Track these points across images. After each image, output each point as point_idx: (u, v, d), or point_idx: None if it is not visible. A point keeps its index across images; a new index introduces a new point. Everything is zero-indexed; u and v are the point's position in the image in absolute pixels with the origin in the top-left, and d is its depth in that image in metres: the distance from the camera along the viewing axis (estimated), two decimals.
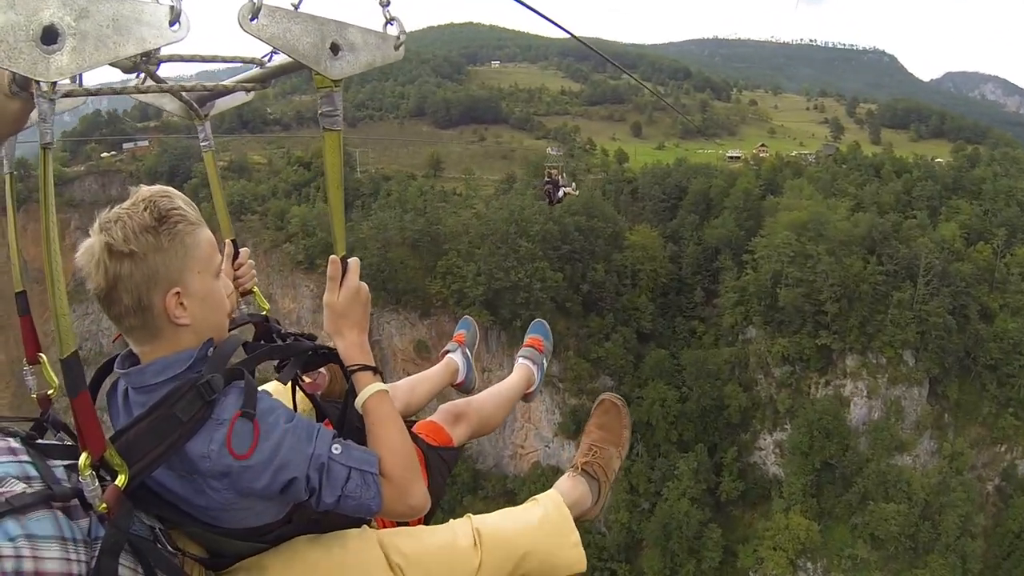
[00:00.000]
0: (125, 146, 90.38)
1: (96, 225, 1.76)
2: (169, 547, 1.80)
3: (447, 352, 3.64)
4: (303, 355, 2.19)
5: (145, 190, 1.84)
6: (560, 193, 32.39)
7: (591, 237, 69.55)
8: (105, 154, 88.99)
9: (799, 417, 60.53)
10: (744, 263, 67.84)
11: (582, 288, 67.39)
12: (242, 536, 1.92)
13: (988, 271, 66.61)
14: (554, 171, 33.60)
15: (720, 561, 58.23)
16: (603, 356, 65.82)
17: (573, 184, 42.51)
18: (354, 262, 2.03)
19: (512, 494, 62.16)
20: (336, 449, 1.85)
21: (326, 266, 2.02)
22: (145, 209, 1.75)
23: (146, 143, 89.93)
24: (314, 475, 1.81)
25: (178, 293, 1.78)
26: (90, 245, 1.74)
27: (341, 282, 2.01)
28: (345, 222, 2.03)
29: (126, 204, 1.78)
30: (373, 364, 2.02)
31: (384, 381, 2.04)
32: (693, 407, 63.23)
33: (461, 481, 63.74)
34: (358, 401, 1.99)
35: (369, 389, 1.99)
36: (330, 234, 2.02)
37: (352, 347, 2.02)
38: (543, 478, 61.73)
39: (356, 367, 2.01)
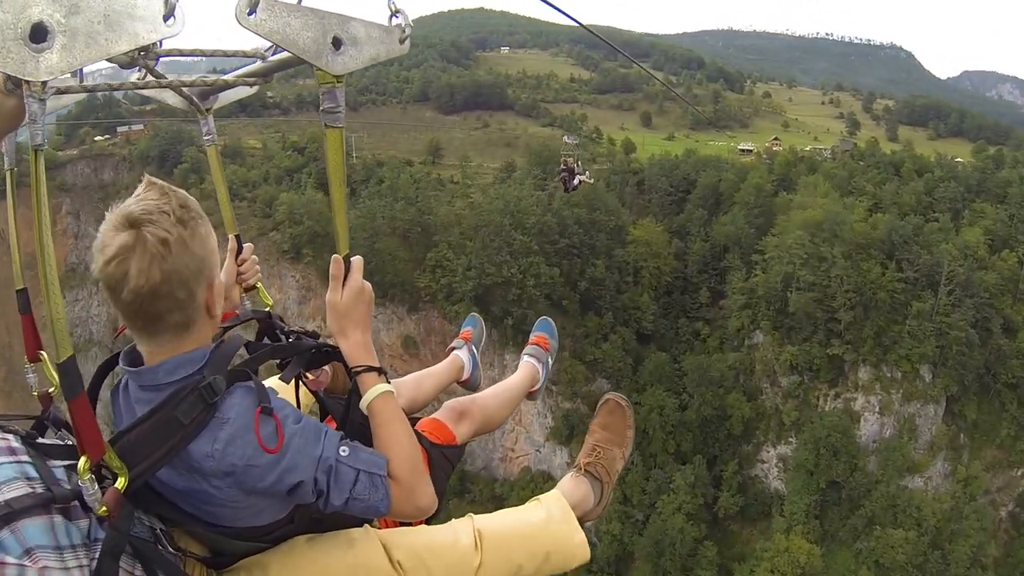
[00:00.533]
0: (119, 129, 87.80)
1: (123, 219, 1.64)
2: (170, 547, 1.78)
3: (453, 349, 3.62)
4: (306, 354, 2.15)
5: (153, 179, 1.77)
6: (575, 181, 33.06)
7: (592, 231, 66.10)
8: (99, 137, 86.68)
9: (806, 433, 57.48)
10: (753, 263, 64.52)
11: (580, 285, 63.95)
12: (244, 536, 1.91)
13: (1012, 281, 63.26)
14: (570, 159, 34.12)
15: None
16: (600, 358, 62.43)
17: (587, 172, 43.41)
18: (357, 261, 2.01)
19: (500, 499, 59.53)
20: (344, 451, 1.84)
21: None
22: (174, 199, 1.71)
23: (141, 127, 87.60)
24: (322, 477, 1.80)
25: (212, 285, 1.80)
26: (129, 242, 1.63)
27: (344, 281, 1.98)
28: (347, 219, 1.99)
29: (151, 195, 1.70)
30: (378, 364, 2.01)
31: (388, 381, 2.01)
32: (693, 416, 60.07)
33: (448, 483, 60.88)
34: (363, 402, 1.97)
35: (375, 390, 1.96)
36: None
37: (356, 347, 2.00)
38: (532, 484, 59.06)
39: (361, 368, 1.99)
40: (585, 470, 2.93)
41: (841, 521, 55.61)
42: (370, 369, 1.99)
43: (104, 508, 1.55)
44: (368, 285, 2.04)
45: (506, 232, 63.64)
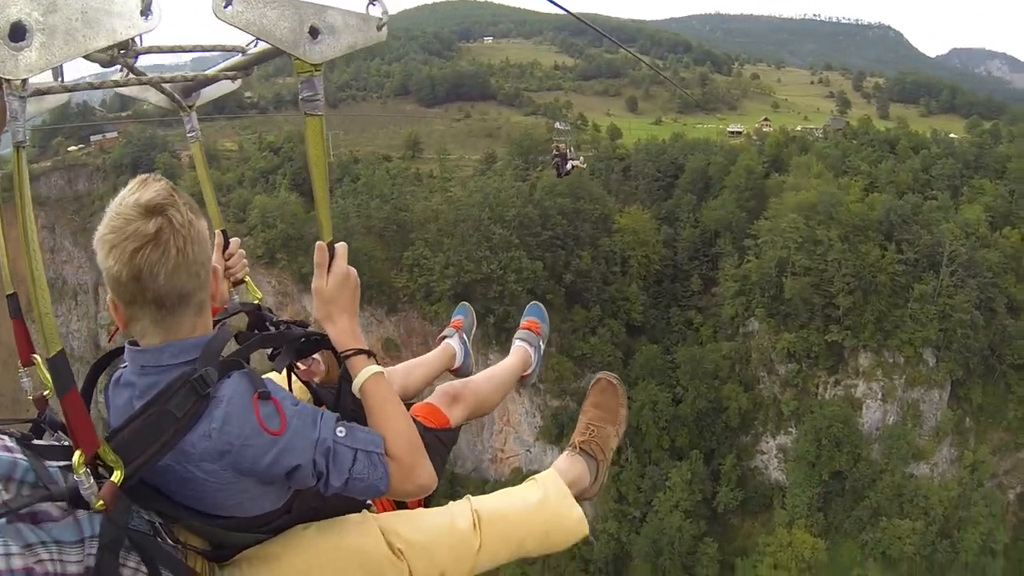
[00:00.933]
0: (93, 139, 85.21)
1: (142, 208, 1.67)
2: (169, 540, 1.80)
3: (444, 338, 3.64)
4: (296, 343, 2.18)
5: (144, 176, 1.80)
6: (568, 165, 32.94)
7: (576, 221, 63.28)
8: (72, 148, 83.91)
9: (806, 423, 55.26)
10: (746, 249, 61.97)
11: (565, 278, 61.17)
12: (242, 527, 1.92)
13: (1015, 259, 61.07)
14: (562, 145, 34.61)
15: None
16: (588, 353, 59.76)
17: (580, 157, 43.63)
18: (341, 247, 2.03)
19: None
20: (340, 432, 1.85)
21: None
22: (171, 187, 1.77)
23: (115, 135, 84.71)
24: (320, 460, 1.81)
25: (215, 270, 1.88)
26: (162, 225, 1.67)
27: (329, 268, 2.01)
28: (330, 208, 2.02)
29: (156, 185, 1.73)
30: (366, 347, 2.02)
31: (378, 363, 2.02)
32: (688, 410, 57.61)
33: (438, 485, 59.00)
34: (355, 385, 1.98)
35: (365, 372, 1.98)
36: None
37: (343, 333, 2.02)
38: None
39: (350, 352, 2.01)
40: (580, 448, 2.95)
41: (845, 513, 53.60)
42: (359, 352, 1.99)
43: (101, 502, 1.54)
44: (353, 271, 2.03)
45: (485, 226, 60.96)
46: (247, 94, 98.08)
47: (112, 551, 1.57)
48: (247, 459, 1.71)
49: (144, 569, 1.66)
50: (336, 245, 1.99)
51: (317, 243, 1.98)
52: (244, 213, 66.56)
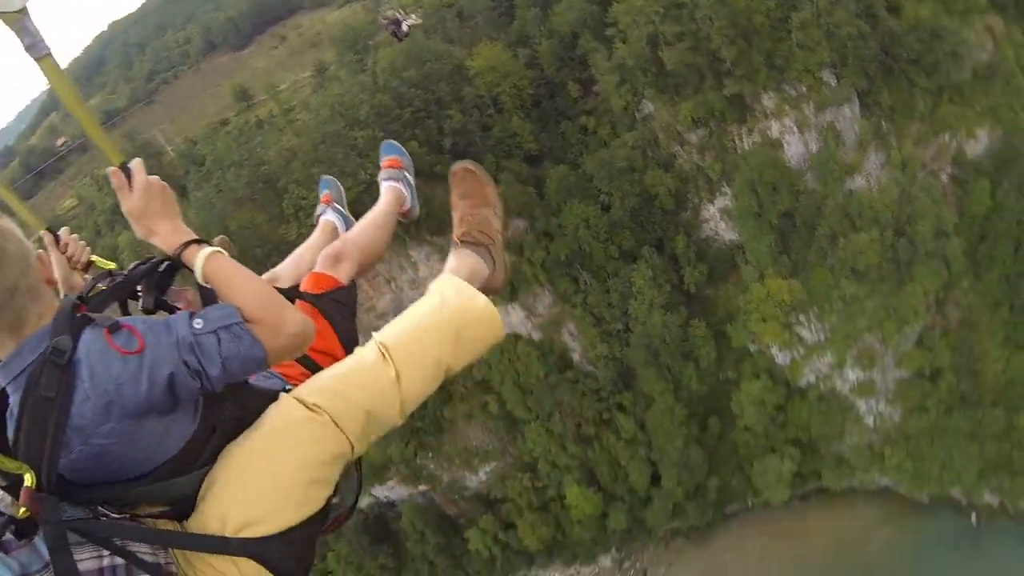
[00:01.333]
0: None
1: None
2: (114, 514, 1.80)
3: (320, 215, 3.80)
4: (148, 277, 2.19)
5: None
6: (404, 28, 32.36)
7: (429, 86, 57.88)
8: None
9: (737, 180, 53.99)
10: (610, 39, 57.74)
11: (444, 144, 56.24)
12: (179, 469, 1.92)
13: None
14: (390, 12, 33.90)
15: (717, 353, 55.37)
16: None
17: (413, 16, 40.92)
18: (136, 162, 2.02)
19: (485, 381, 55.69)
20: (197, 323, 1.84)
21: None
22: None
23: None
24: (190, 358, 1.80)
25: (39, 256, 1.92)
26: None
27: (130, 187, 2.00)
28: (104, 133, 2.01)
29: None
30: (194, 237, 2.02)
31: (211, 245, 2.02)
32: (620, 213, 55.46)
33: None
34: (196, 273, 1.99)
35: (200, 257, 1.97)
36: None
37: (168, 236, 2.01)
38: (501, 351, 53.58)
39: (179, 248, 2.00)
40: (462, 241, 2.88)
41: (806, 247, 53.68)
42: (187, 244, 1.98)
43: (23, 509, 1.55)
44: (155, 178, 2.00)
45: (344, 136, 55.37)
46: (59, 141, 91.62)
47: (61, 550, 1.52)
48: (128, 397, 1.66)
49: (106, 552, 1.60)
50: (130, 164, 1.95)
51: (109, 169, 1.94)
52: (118, 258, 59.05)
